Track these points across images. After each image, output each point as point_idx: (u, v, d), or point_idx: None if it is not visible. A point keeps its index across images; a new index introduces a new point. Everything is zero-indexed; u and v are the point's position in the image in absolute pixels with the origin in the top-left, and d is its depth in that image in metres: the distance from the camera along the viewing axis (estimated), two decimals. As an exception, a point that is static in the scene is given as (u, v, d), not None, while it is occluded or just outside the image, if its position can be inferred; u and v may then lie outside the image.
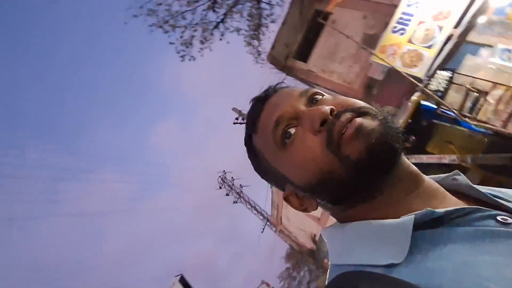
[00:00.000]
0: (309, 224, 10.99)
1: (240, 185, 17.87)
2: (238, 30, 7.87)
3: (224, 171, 18.29)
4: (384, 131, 0.42)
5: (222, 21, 7.59)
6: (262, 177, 0.58)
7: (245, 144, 0.58)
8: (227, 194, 17.80)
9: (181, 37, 7.39)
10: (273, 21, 8.57)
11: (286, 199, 0.54)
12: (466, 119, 3.33)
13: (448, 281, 0.33)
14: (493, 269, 0.33)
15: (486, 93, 3.54)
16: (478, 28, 4.96)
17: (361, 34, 6.74)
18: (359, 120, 0.43)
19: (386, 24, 5.78)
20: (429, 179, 0.48)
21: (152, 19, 7.21)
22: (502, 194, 0.47)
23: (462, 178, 0.49)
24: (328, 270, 0.47)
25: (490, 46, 5.19)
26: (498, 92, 3.50)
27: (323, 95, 0.52)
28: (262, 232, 15.35)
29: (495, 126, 3.21)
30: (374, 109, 0.46)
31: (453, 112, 3.39)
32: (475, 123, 3.30)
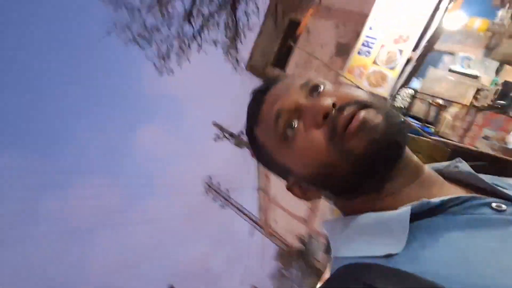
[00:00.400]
0: (297, 225, 11.22)
1: (227, 189, 17.90)
2: (215, 42, 7.94)
3: (209, 176, 18.23)
4: (389, 125, 0.42)
5: (199, 33, 7.65)
6: (265, 167, 0.58)
7: (247, 134, 0.57)
8: (214, 200, 17.77)
9: (158, 51, 7.40)
10: (250, 30, 8.70)
11: (289, 189, 0.55)
12: (430, 129, 3.61)
13: (445, 268, 0.33)
14: (489, 257, 0.33)
15: (445, 107, 3.84)
16: (441, 36, 5.31)
17: (335, 42, 6.99)
18: (363, 113, 0.42)
19: (357, 33, 6.04)
20: (429, 169, 0.49)
21: (127, 35, 7.18)
22: (502, 182, 0.48)
23: (463, 165, 0.50)
24: (330, 264, 0.50)
25: (451, 53, 5.57)
26: (454, 109, 3.81)
27: (325, 85, 0.50)
28: (251, 236, 15.47)
29: (453, 140, 3.50)
30: (377, 101, 0.46)
31: (417, 124, 3.67)
32: (436, 136, 3.59)
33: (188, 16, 7.38)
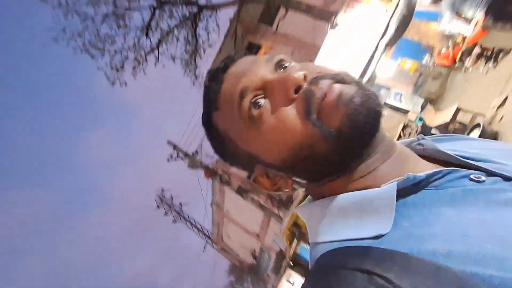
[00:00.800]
0: (249, 240, 11.31)
1: (180, 203, 17.35)
2: (173, 58, 7.89)
3: (162, 189, 17.54)
4: (364, 95, 0.39)
5: (157, 46, 7.54)
6: (225, 161, 0.52)
7: (203, 125, 0.51)
8: (166, 214, 17.09)
9: (111, 61, 7.10)
10: (210, 46, 8.81)
11: (255, 180, 0.49)
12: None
13: (441, 245, 0.32)
14: (483, 228, 0.32)
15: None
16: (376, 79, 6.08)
17: (290, 67, 7.46)
18: (338, 86, 0.39)
19: (311, 61, 6.55)
20: (401, 145, 0.46)
21: (76, 43, 6.77)
22: (463, 150, 0.47)
23: (427, 142, 0.48)
24: (309, 251, 0.45)
25: (387, 88, 6.35)
26: None
27: (290, 62, 0.46)
28: (203, 251, 15.14)
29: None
30: (348, 74, 0.42)
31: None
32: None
33: (147, 28, 7.25)
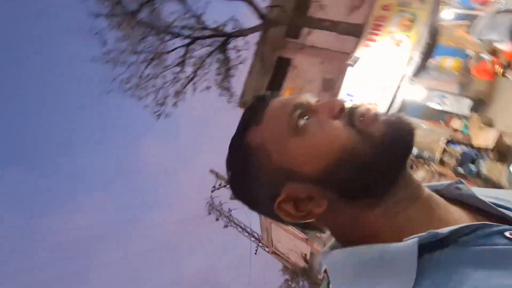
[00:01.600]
0: (299, 245, 11.51)
1: (229, 209, 18.15)
2: (208, 87, 8.37)
3: (211, 196, 18.51)
4: (395, 117, 0.43)
5: (193, 77, 8.07)
6: (249, 180, 0.49)
7: (232, 146, 0.51)
8: (217, 219, 18.02)
9: (155, 98, 7.83)
10: (242, 63, 9.06)
11: (279, 206, 0.46)
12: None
13: None
14: None
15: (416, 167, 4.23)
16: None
17: (320, 78, 7.44)
18: (373, 109, 0.44)
19: (341, 69, 6.48)
20: (429, 190, 0.45)
21: (125, 88, 7.62)
22: (502, 200, 0.45)
23: (465, 187, 0.46)
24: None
25: (428, 89, 5.98)
26: (421, 173, 4.20)
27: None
28: (255, 253, 15.70)
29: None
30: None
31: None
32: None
33: (182, 62, 7.82)
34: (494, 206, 0.43)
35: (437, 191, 0.48)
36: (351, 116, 0.44)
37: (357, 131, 0.42)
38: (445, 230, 0.37)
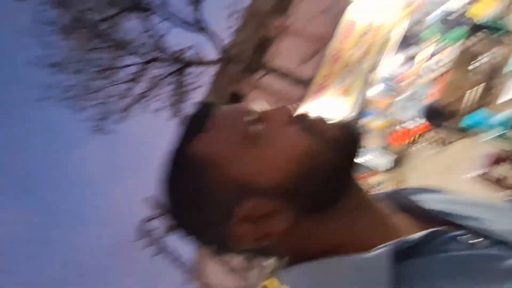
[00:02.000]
0: (231, 280, 11.16)
1: (163, 235, 16.96)
2: (157, 110, 8.19)
3: (144, 220, 17.15)
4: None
5: (144, 96, 7.84)
6: (188, 206, 0.43)
7: (173, 159, 0.43)
8: (147, 246, 16.62)
9: (97, 112, 7.35)
10: (195, 90, 9.08)
11: (235, 228, 0.40)
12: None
13: None
14: None
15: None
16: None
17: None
18: (323, 116, 0.44)
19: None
20: (376, 196, 0.45)
21: (65, 96, 7.04)
22: (439, 202, 0.45)
23: (404, 193, 0.48)
24: None
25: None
26: None
27: None
28: (185, 284, 14.74)
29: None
30: None
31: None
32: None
33: (133, 80, 7.60)
34: (435, 211, 0.43)
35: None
36: (306, 121, 0.42)
37: (315, 136, 0.41)
38: (413, 236, 0.36)
